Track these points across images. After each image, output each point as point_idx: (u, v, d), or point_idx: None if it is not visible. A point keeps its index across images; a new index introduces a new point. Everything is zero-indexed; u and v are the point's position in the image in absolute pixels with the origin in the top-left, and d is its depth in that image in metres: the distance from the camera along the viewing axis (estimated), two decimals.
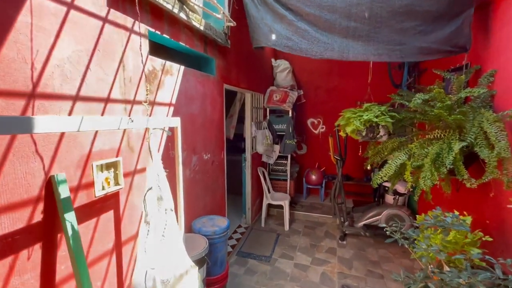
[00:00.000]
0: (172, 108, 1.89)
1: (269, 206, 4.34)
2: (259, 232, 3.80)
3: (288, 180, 4.37)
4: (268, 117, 4.34)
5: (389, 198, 3.91)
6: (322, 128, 4.94)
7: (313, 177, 4.66)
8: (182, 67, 2.00)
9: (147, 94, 1.53)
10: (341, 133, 2.39)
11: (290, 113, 4.21)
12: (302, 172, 5.05)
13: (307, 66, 4.86)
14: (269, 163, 4.44)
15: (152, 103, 1.68)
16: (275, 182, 4.47)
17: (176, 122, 1.51)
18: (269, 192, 4.23)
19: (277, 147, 4.27)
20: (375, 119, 2.09)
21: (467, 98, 2.11)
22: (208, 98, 2.42)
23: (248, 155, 3.75)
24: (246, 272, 2.88)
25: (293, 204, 4.48)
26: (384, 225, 3.67)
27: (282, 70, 4.53)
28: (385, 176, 2.00)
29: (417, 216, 2.21)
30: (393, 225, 1.78)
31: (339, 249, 3.40)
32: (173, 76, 1.89)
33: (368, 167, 2.40)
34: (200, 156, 2.32)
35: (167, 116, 1.84)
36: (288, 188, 4.39)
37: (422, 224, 1.79)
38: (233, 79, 3.00)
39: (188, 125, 2.11)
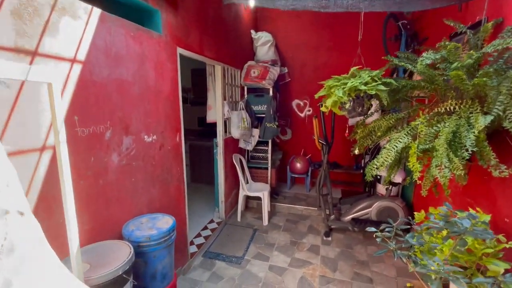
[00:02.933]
0: (78, 67, 1.33)
1: (248, 198, 3.86)
2: (234, 228, 3.32)
3: (269, 168, 3.87)
4: (245, 97, 3.78)
5: (381, 188, 3.46)
6: (309, 110, 4.41)
7: (298, 165, 4.17)
8: (98, 11, 1.42)
9: None
10: (323, 108, 1.87)
11: (271, 92, 3.66)
12: (286, 160, 4.55)
13: (293, 40, 4.27)
14: (247, 150, 3.92)
15: (32, 53, 1.11)
16: (254, 171, 3.97)
17: (48, 74, 0.95)
18: (247, 182, 3.73)
19: (256, 132, 3.75)
20: (363, 87, 1.57)
21: (484, 61, 1.61)
22: (150, 62, 1.85)
23: (220, 140, 3.22)
24: (211, 279, 2.41)
25: (274, 195, 4.01)
26: (374, 219, 3.28)
27: (263, 43, 3.94)
28: (381, 165, 1.50)
29: (415, 213, 1.74)
30: (386, 229, 1.29)
31: (323, 247, 2.95)
32: (78, 21, 1.32)
33: (356, 152, 1.89)
34: (138, 137, 1.77)
35: (68, 76, 1.27)
36: (269, 177, 3.90)
37: (424, 227, 1.31)
38: (193, 43, 2.42)
39: (113, 93, 1.55)
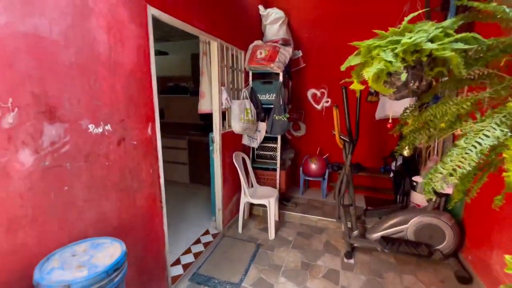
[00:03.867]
0: None
1: (252, 204, 3.26)
2: (232, 242, 2.73)
3: (278, 170, 3.24)
4: (250, 84, 3.16)
5: (418, 198, 2.75)
6: (327, 102, 3.73)
7: (313, 166, 3.51)
8: None
9: None
10: (353, 86, 1.22)
11: (281, 78, 3.01)
12: (298, 160, 3.90)
13: (309, 16, 3.59)
14: (252, 147, 3.31)
15: None
16: (260, 172, 3.35)
17: None
18: (251, 186, 3.13)
19: (263, 126, 3.13)
20: (430, 45, 0.92)
21: None
22: (99, 18, 1.28)
23: (216, 134, 2.63)
24: None
25: (284, 202, 3.38)
26: (412, 238, 2.56)
27: (273, 21, 3.30)
28: (453, 174, 0.85)
29: (506, 257, 1.05)
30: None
31: (344, 273, 2.30)
32: None
33: (405, 153, 1.25)
34: (75, 126, 1.21)
35: None
36: (277, 180, 3.27)
37: None
38: (176, 5, 1.83)
39: (21, 56, 0.99)
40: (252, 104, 2.94)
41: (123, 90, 1.45)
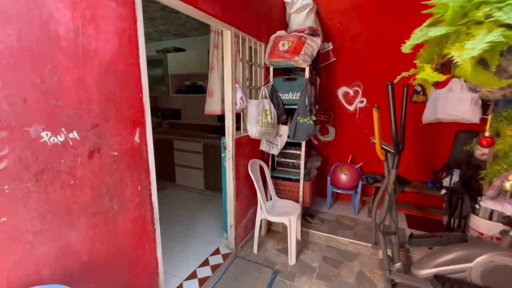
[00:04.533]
0: None
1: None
2: (245, 266, 2.34)
3: (302, 181, 2.79)
4: (271, 81, 2.75)
5: (481, 224, 2.15)
6: (361, 102, 3.19)
7: (343, 176, 3.01)
8: None
9: None
10: (422, 75, 0.77)
11: (307, 73, 2.56)
12: (326, 169, 3.41)
13: (342, 4, 3.09)
14: (271, 154, 2.90)
15: None
16: (281, 183, 2.93)
17: None
18: (270, 198, 2.72)
19: (285, 129, 2.70)
20: None
21: None
22: None
23: (229, 139, 2.25)
24: None
25: (308, 218, 2.92)
26: (478, 282, 1.92)
27: (299, 9, 2.86)
28: None
29: None
30: None
31: None
32: None
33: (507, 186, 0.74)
34: (19, 135, 0.89)
35: None
36: (301, 193, 2.82)
37: None
38: None
39: None
40: (272, 105, 2.53)
41: (98, 86, 1.12)
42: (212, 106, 2.32)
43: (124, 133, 1.25)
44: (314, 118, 2.56)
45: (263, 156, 2.87)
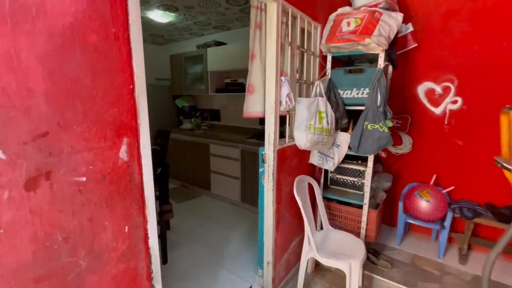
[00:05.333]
0: None
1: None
2: None
3: (365, 207, 2.07)
4: (328, 74, 2.10)
5: None
6: (454, 102, 2.32)
7: (424, 203, 2.20)
8: None
9: None
10: None
11: (382, 61, 1.84)
12: (396, 190, 2.61)
13: None
14: (324, 170, 2.24)
15: None
16: (335, 206, 2.25)
17: None
18: (320, 227, 2.08)
19: (344, 138, 2.03)
20: None
21: None
22: None
23: (269, 151, 1.69)
24: None
25: (371, 256, 2.18)
26: None
27: None
28: None
29: None
30: None
31: None
32: None
33: None
34: None
35: None
36: (363, 223, 2.10)
37: None
38: None
39: None
40: (329, 105, 1.89)
41: (46, 67, 0.66)
42: (252, 106, 1.78)
43: (99, 146, 0.78)
44: (390, 123, 1.84)
45: (313, 171, 2.24)
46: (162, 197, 2.12)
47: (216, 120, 4.21)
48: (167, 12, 2.97)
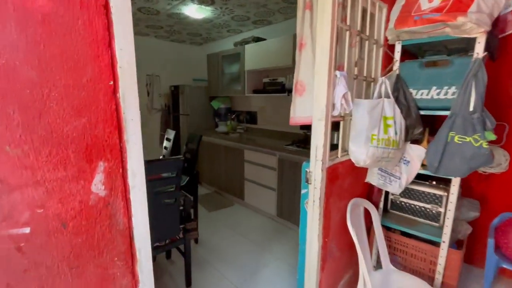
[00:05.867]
0: None
1: None
2: None
3: (444, 245, 1.54)
4: (396, 68, 1.61)
5: None
6: None
7: None
8: None
9: None
10: None
11: (481, 48, 1.32)
12: (483, 221, 1.98)
13: None
14: (386, 192, 1.75)
15: None
16: (399, 240, 1.75)
17: None
18: (378, 265, 1.61)
19: (417, 152, 1.54)
20: None
21: None
22: None
23: (316, 169, 1.29)
24: None
25: None
26: None
27: None
28: None
29: None
30: None
31: None
32: None
33: None
34: None
35: None
36: (439, 267, 1.57)
37: None
38: None
39: None
40: (397, 109, 1.43)
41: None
42: (303, 110, 1.40)
43: (55, 177, 0.49)
44: (491, 136, 1.30)
45: (370, 191, 1.78)
46: (186, 212, 1.86)
47: (252, 123, 3.91)
48: (203, 6, 2.74)
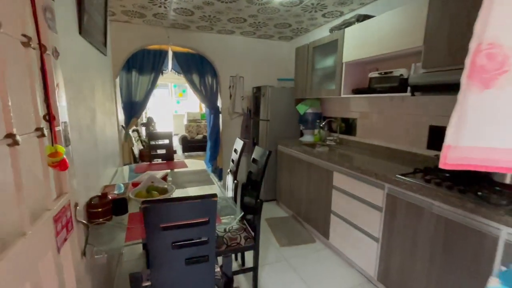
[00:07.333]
0: None
1: None
2: None
3: None
4: None
5: None
6: None
7: None
8: None
9: None
10: None
11: None
12: None
13: None
14: None
15: None
16: None
17: None
18: None
19: None
20: None
21: None
22: None
23: None
24: None
25: None
26: None
27: None
28: None
29: None
30: None
31: None
32: None
33: None
34: None
35: None
36: None
37: None
38: None
39: None
40: None
41: None
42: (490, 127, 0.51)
43: None
44: None
45: None
46: (227, 277, 1.22)
47: (349, 134, 2.95)
48: None
